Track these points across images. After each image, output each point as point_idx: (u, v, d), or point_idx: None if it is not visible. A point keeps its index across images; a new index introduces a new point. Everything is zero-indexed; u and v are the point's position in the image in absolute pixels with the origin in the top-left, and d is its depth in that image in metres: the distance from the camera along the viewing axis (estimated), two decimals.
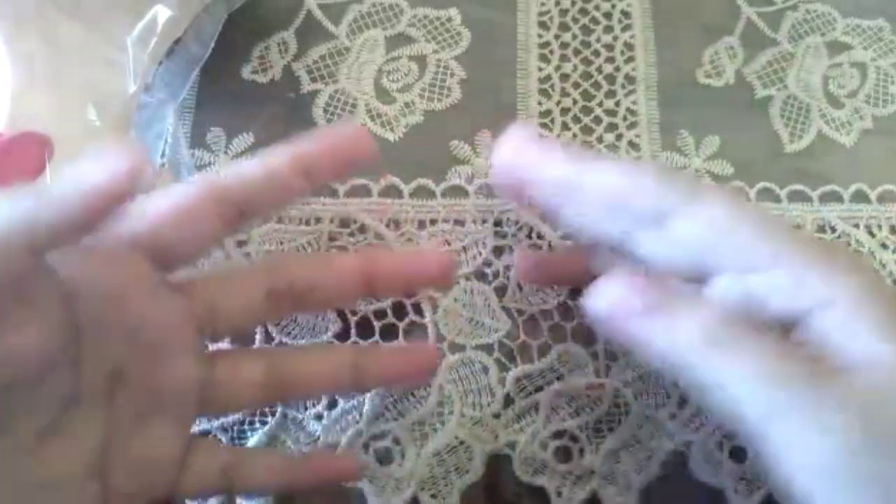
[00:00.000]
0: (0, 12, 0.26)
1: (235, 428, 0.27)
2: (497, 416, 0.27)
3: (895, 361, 0.16)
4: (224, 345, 0.26)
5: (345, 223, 0.28)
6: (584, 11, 0.32)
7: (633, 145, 0.30)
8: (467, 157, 0.30)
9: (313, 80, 0.30)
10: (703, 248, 0.18)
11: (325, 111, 0.30)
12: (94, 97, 0.27)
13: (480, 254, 0.28)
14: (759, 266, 0.18)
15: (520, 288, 0.28)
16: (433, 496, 0.27)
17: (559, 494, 0.27)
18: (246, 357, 0.23)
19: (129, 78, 0.27)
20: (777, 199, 0.29)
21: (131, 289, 0.20)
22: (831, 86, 0.31)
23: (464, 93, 0.30)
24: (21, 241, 0.16)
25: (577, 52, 0.31)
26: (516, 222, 0.29)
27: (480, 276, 0.28)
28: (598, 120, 0.30)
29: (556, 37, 0.31)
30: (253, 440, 0.27)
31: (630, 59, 0.31)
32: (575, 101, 0.31)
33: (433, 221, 0.29)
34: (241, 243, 0.28)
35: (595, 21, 0.32)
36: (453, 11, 0.31)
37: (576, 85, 0.31)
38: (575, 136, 0.30)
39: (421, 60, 0.31)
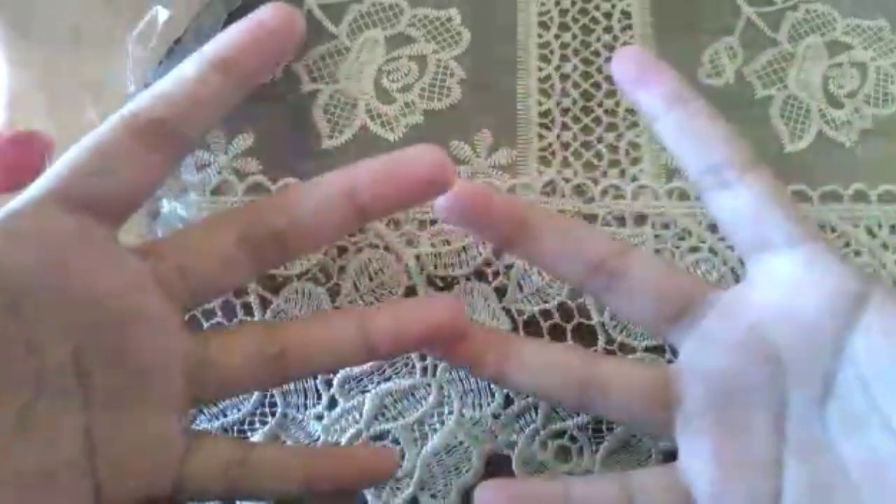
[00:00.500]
0: (0, 12, 0.26)
1: (235, 428, 0.27)
2: (496, 416, 0.27)
3: None
4: None
5: None
6: (584, 11, 0.32)
7: (633, 145, 0.30)
8: (467, 157, 0.30)
9: (313, 79, 0.30)
10: None
11: (325, 111, 0.30)
12: (94, 97, 0.27)
13: (480, 254, 0.28)
14: None
15: (520, 288, 0.28)
16: (433, 496, 0.27)
17: None
18: (242, 330, 0.21)
19: (129, 78, 0.27)
20: None
21: (69, 252, 0.18)
22: (831, 86, 0.31)
23: (464, 93, 0.30)
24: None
25: (577, 52, 0.31)
26: None
27: (480, 276, 0.28)
28: (598, 120, 0.30)
29: (556, 37, 0.31)
30: (253, 440, 0.27)
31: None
32: (575, 101, 0.31)
33: (433, 221, 0.29)
34: None
35: (595, 21, 0.32)
36: (453, 11, 0.31)
37: (576, 85, 0.31)
38: (575, 135, 0.30)
39: (421, 60, 0.31)
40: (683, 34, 0.32)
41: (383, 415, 0.27)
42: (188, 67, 0.20)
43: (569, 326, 0.28)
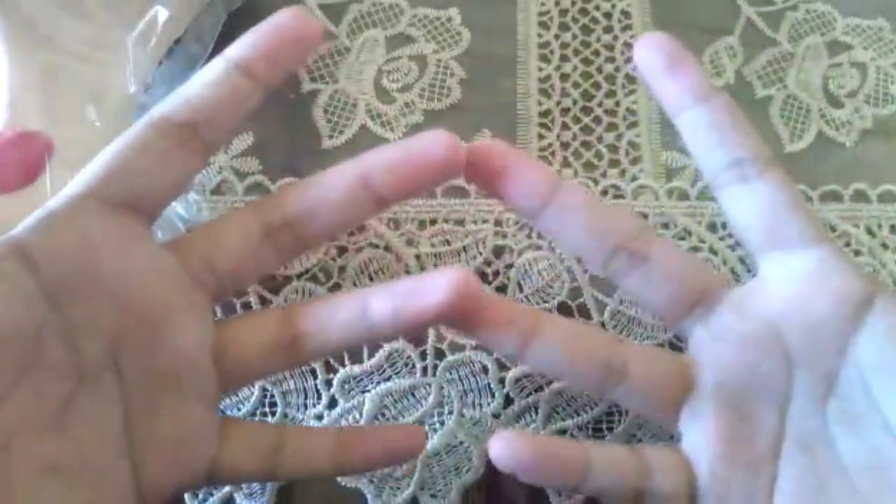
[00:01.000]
0: (0, 12, 0.26)
1: None
2: (497, 416, 0.27)
3: None
4: None
5: None
6: (584, 11, 0.32)
7: (633, 145, 0.30)
8: None
9: (313, 79, 0.30)
10: None
11: (325, 111, 0.30)
12: (94, 97, 0.27)
13: (480, 254, 0.28)
14: None
15: (520, 288, 0.28)
16: (433, 496, 0.27)
17: (559, 494, 0.27)
18: (257, 317, 0.22)
19: (129, 78, 0.27)
20: None
21: (106, 248, 0.19)
22: (831, 86, 0.31)
23: (464, 93, 0.30)
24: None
25: (577, 52, 0.31)
26: (517, 222, 0.29)
27: (480, 276, 0.28)
28: (598, 120, 0.30)
29: (556, 37, 0.31)
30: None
31: (630, 60, 0.31)
32: (575, 101, 0.31)
33: (433, 221, 0.29)
34: None
35: (595, 21, 0.32)
36: (453, 11, 0.31)
37: (576, 85, 0.31)
38: (575, 135, 0.30)
39: (421, 60, 0.31)
40: (683, 34, 0.31)
41: (383, 415, 0.27)
42: (212, 70, 0.20)
43: None
